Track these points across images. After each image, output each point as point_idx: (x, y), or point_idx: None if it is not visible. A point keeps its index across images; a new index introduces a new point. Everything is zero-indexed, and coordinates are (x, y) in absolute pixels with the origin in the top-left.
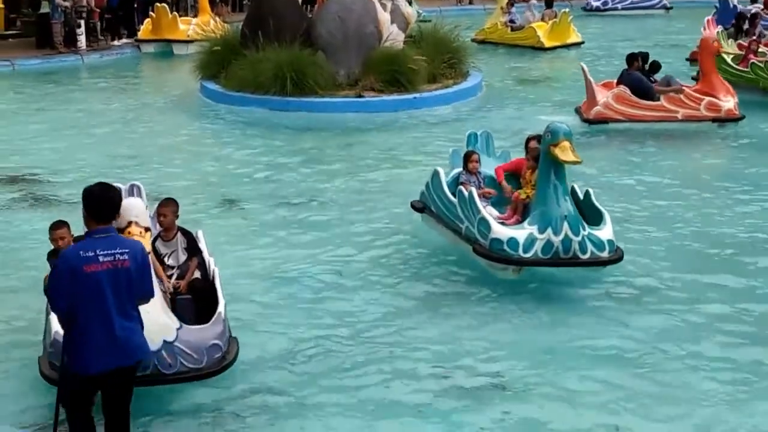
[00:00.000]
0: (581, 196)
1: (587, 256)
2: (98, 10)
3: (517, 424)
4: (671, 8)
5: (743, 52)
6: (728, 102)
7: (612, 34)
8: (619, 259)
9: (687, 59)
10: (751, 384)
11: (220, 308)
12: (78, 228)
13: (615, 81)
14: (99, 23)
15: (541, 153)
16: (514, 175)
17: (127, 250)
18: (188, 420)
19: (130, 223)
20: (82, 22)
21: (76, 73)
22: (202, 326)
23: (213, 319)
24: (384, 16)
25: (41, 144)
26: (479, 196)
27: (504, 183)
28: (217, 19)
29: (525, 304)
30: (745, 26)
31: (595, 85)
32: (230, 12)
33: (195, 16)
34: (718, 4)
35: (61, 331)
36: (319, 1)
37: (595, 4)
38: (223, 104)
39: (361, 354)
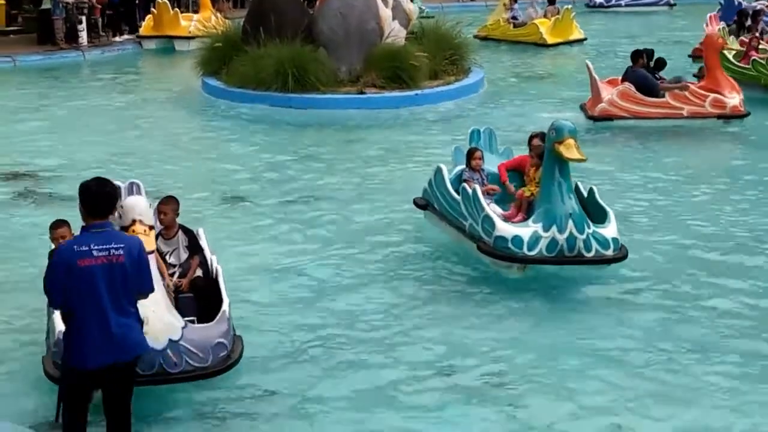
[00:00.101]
0: (585, 194)
1: (592, 254)
2: (99, 6)
3: (520, 422)
4: (675, 5)
5: (744, 49)
6: (733, 99)
7: (615, 31)
8: (624, 257)
9: (689, 56)
10: (752, 383)
11: (225, 306)
12: (79, 225)
13: (620, 78)
14: (100, 19)
15: (545, 150)
16: (517, 172)
17: (122, 245)
18: (189, 420)
19: (134, 222)
20: (84, 18)
21: (78, 70)
22: (207, 325)
23: (218, 317)
24: (386, 13)
25: (42, 140)
26: (483, 193)
27: (507, 183)
28: (219, 15)
29: (528, 303)
30: (747, 23)
31: (600, 82)
32: (232, 8)
33: (196, 12)
34: (722, 1)
35: (64, 329)
36: None
37: (597, 0)
38: (225, 100)
39: (363, 352)
